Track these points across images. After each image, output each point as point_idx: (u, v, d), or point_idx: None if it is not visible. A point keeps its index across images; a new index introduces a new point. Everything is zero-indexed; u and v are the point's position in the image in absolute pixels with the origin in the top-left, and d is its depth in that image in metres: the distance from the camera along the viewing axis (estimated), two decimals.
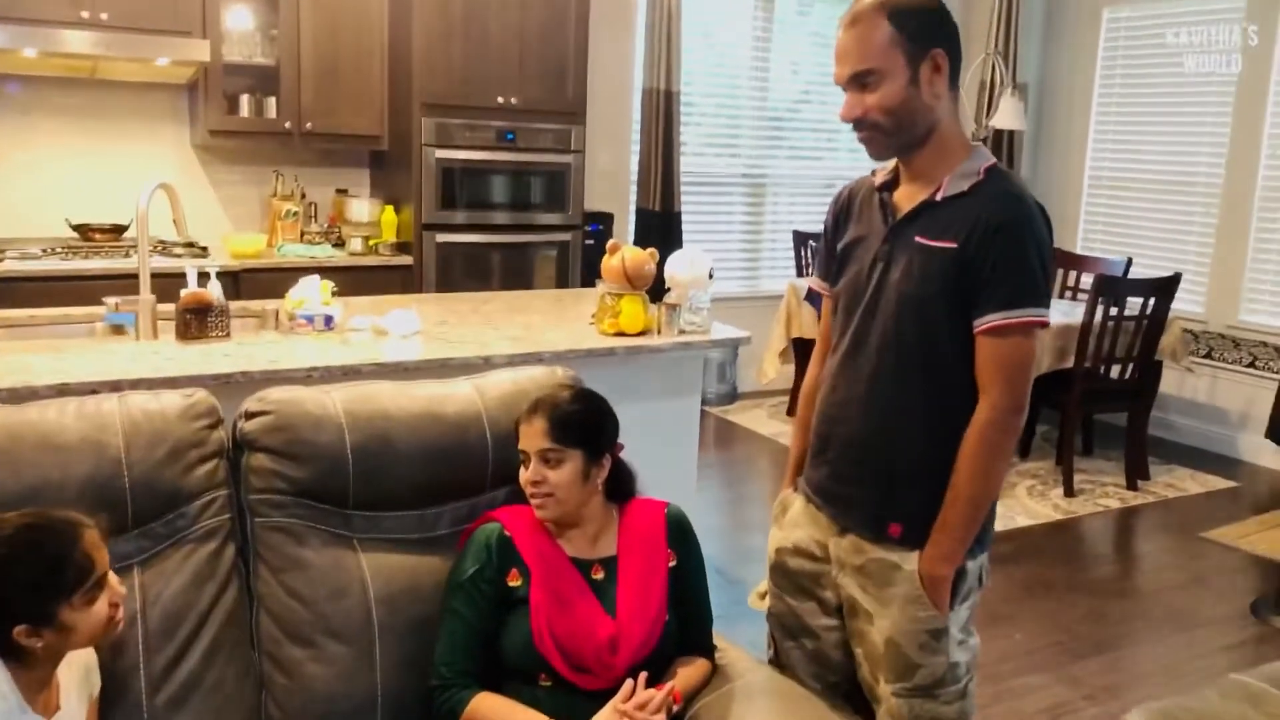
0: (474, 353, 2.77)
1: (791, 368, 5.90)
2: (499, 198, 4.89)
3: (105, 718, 1.58)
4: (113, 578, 1.47)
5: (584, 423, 1.82)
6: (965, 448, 1.70)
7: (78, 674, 1.51)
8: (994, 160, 1.74)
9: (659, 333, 3.08)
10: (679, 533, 1.90)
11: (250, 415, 1.86)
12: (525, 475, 1.81)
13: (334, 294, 3.05)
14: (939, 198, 1.72)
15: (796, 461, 2.02)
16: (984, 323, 1.67)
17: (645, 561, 1.85)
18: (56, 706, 1.45)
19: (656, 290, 3.11)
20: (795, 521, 1.97)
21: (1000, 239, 1.65)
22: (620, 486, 1.89)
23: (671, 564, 1.87)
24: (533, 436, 1.80)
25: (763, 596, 2.05)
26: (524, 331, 3.09)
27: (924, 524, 1.75)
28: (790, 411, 5.99)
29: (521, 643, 1.74)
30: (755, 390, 6.25)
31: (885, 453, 1.78)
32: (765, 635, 2.06)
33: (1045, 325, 1.68)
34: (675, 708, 1.74)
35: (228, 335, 2.79)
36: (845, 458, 1.84)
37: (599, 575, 1.83)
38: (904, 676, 1.77)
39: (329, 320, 2.96)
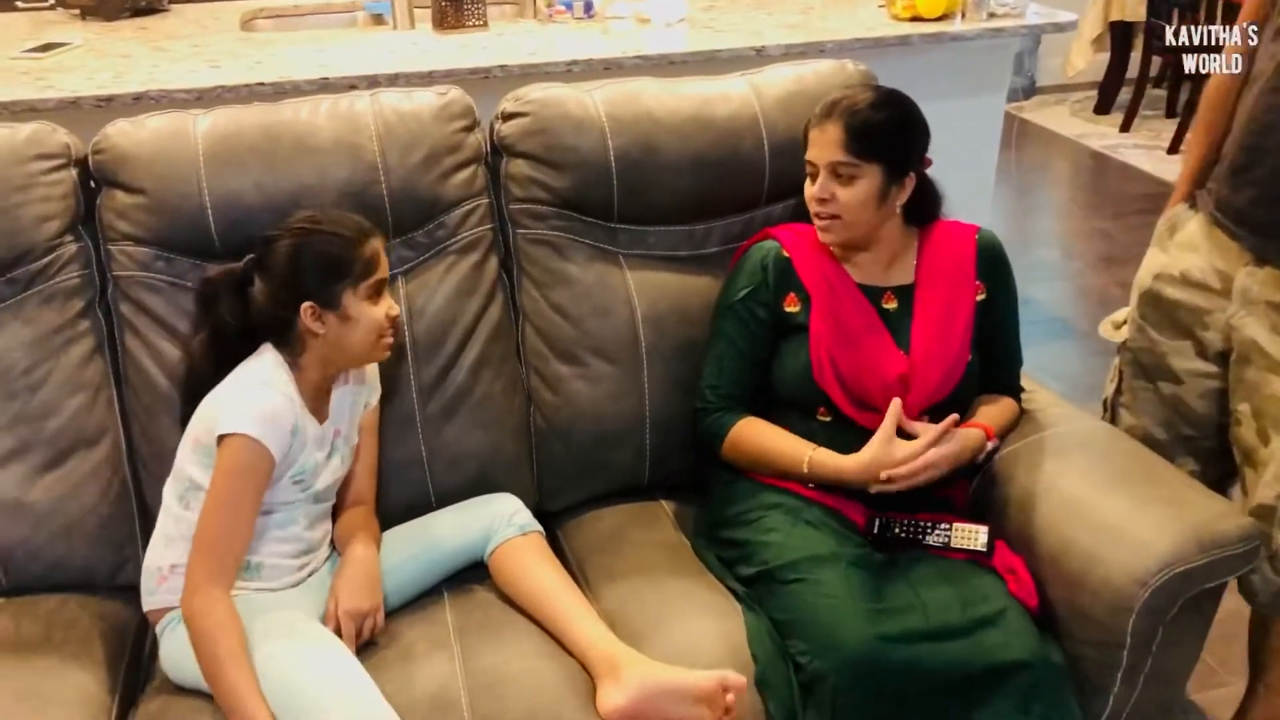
0: (746, 42, 2.47)
1: (1105, 58, 5.12)
2: None
3: (382, 427, 1.58)
4: (389, 298, 1.43)
5: (889, 133, 1.51)
6: None
7: (355, 387, 1.51)
8: None
9: (963, 16, 2.63)
10: (991, 262, 1.62)
11: (507, 116, 1.70)
12: (811, 190, 1.56)
13: None
14: None
15: (1195, 172, 1.63)
16: None
17: (949, 293, 1.59)
18: (325, 418, 1.45)
19: None
20: (1189, 245, 1.61)
21: None
22: (924, 208, 1.61)
23: (980, 297, 1.61)
24: (824, 146, 1.52)
25: (1119, 326, 1.75)
26: (801, 17, 2.73)
27: None
28: (1100, 109, 5.25)
29: (799, 373, 1.57)
30: (1057, 84, 5.51)
31: None
32: (1111, 369, 1.79)
33: None
34: (990, 445, 1.55)
35: (485, 24, 2.62)
36: None
37: (891, 305, 1.59)
38: None
39: (589, 7, 2.72)
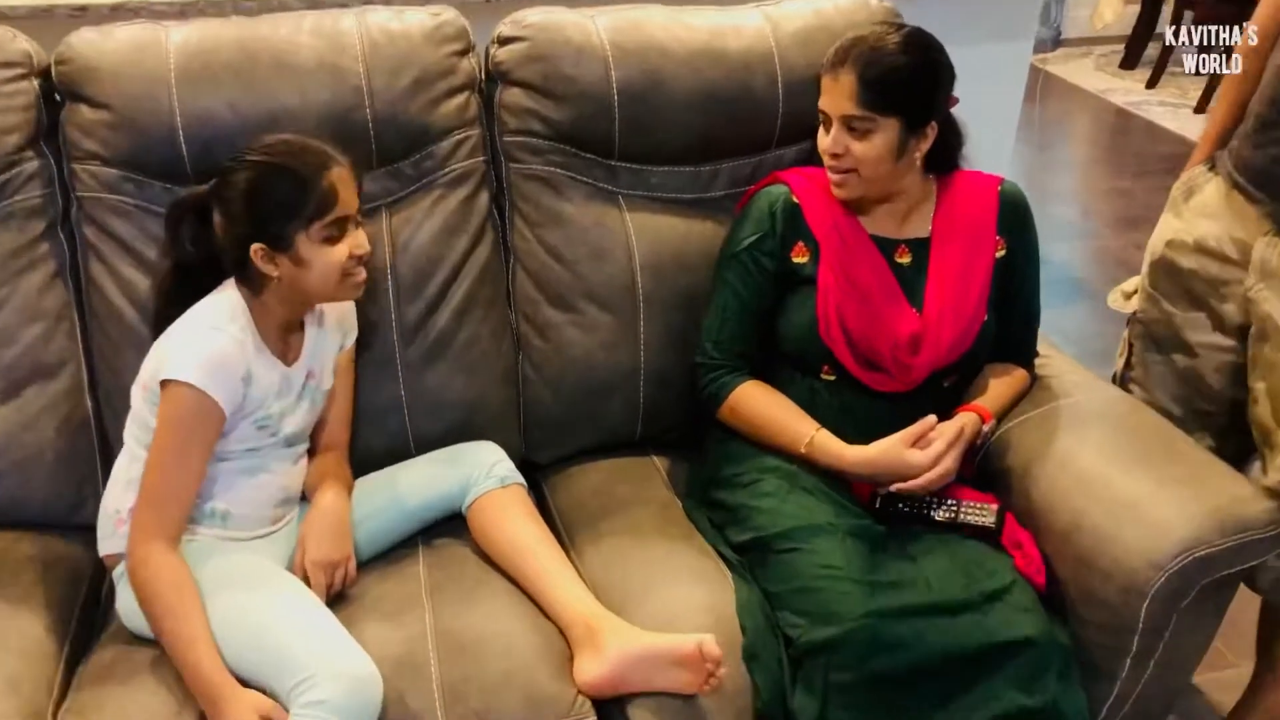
0: None
1: (1135, 10, 4.94)
2: None
3: (360, 370, 1.50)
4: (360, 232, 1.31)
5: (908, 82, 1.38)
6: None
7: (331, 327, 1.42)
8: None
9: None
10: (1014, 216, 1.52)
11: (504, 41, 1.59)
12: (824, 142, 1.45)
13: None
14: None
15: (1220, 132, 1.53)
16: None
17: (967, 248, 1.49)
18: (296, 358, 1.36)
19: None
20: (1206, 211, 1.51)
21: None
22: (944, 155, 1.49)
23: (1000, 253, 1.51)
24: (837, 96, 1.40)
25: (1129, 296, 1.66)
26: None
27: None
28: (1126, 64, 5.08)
29: (804, 328, 1.48)
30: (1084, 36, 5.34)
31: None
32: (1120, 342, 1.69)
33: None
34: (985, 428, 1.46)
35: None
36: None
37: (904, 259, 1.50)
38: None
39: None
